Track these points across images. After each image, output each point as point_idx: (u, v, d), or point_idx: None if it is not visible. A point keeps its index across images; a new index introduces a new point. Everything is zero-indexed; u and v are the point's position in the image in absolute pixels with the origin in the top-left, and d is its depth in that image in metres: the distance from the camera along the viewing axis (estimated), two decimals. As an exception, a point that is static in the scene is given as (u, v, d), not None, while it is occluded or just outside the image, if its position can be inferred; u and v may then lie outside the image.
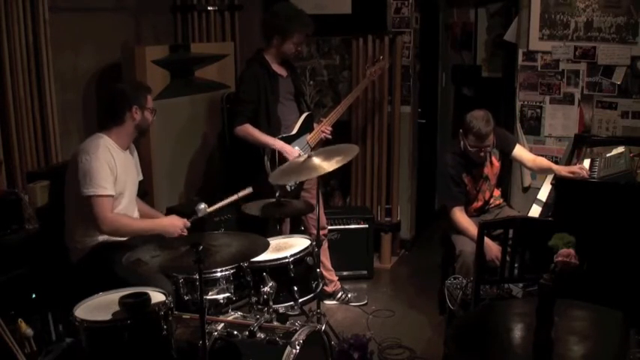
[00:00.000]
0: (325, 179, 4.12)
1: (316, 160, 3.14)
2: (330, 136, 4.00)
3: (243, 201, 3.31)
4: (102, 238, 3.08)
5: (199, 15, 4.82)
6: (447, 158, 3.74)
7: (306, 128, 3.98)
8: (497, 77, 5.85)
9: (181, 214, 3.30)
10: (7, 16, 3.38)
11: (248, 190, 3.30)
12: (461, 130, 3.66)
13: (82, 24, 4.04)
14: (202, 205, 3.20)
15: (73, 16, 3.97)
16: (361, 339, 3.32)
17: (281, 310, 2.92)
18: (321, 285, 3.19)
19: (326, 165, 3.11)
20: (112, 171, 3.04)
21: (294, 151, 3.77)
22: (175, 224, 3.14)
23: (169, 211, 3.95)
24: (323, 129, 3.98)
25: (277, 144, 3.76)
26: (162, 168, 4.21)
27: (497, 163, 3.83)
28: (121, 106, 3.13)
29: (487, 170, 3.79)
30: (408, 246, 5.15)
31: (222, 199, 3.29)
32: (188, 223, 3.16)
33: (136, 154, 3.39)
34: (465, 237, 3.59)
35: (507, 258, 3.08)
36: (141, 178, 3.45)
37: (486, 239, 3.26)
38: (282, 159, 3.73)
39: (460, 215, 3.64)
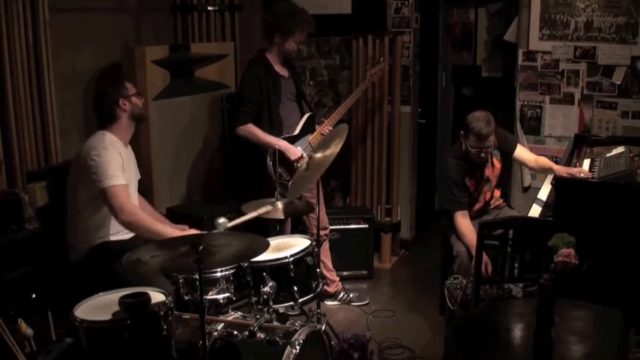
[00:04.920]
0: (325, 179, 4.12)
1: (318, 157, 3.14)
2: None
3: (244, 200, 3.30)
4: (104, 237, 3.09)
5: (199, 15, 4.82)
6: (449, 162, 3.72)
7: (308, 129, 3.98)
8: (497, 77, 5.84)
9: (181, 215, 3.29)
10: (7, 16, 3.38)
11: (267, 208, 3.14)
12: (462, 131, 3.65)
13: (82, 24, 4.04)
14: (222, 220, 2.96)
15: (73, 16, 3.98)
16: (361, 339, 3.32)
17: (281, 310, 2.91)
18: (321, 285, 3.18)
19: (327, 157, 3.11)
20: (120, 163, 3.06)
21: (296, 151, 3.77)
22: None
23: (169, 212, 3.95)
24: (324, 130, 3.98)
25: (280, 143, 3.75)
26: (163, 168, 4.22)
27: (498, 165, 3.83)
28: (110, 106, 3.15)
29: (488, 172, 3.79)
30: (408, 246, 5.15)
31: (240, 215, 3.09)
32: None
33: (133, 153, 3.39)
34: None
35: (507, 258, 3.08)
36: (139, 177, 3.45)
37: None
38: (285, 159, 3.73)
39: (462, 221, 3.63)
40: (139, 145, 3.53)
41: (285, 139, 3.82)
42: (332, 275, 4.20)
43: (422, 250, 5.18)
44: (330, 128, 4.00)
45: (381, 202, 4.95)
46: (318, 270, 3.18)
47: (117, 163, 3.02)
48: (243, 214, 3.09)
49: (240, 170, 4.28)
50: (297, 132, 3.92)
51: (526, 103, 4.53)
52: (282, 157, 3.72)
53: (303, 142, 3.92)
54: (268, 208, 3.14)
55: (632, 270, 3.08)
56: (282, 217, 3.26)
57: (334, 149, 3.12)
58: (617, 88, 4.27)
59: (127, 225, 3.01)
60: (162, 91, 4.19)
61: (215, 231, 2.90)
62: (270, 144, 3.75)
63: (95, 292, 2.53)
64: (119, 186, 2.98)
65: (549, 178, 3.78)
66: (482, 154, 3.63)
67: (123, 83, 3.24)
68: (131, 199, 3.07)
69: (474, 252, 3.41)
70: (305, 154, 3.79)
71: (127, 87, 3.22)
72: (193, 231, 3.14)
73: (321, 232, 4.04)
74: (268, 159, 3.78)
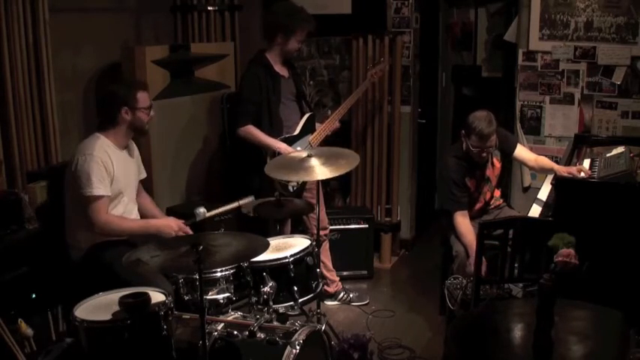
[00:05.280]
0: (325, 180, 4.13)
1: (315, 162, 3.14)
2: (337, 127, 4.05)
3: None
4: (103, 237, 3.09)
5: (199, 15, 4.82)
6: (449, 162, 3.72)
7: (308, 129, 3.98)
8: (497, 77, 5.84)
9: (181, 215, 3.29)
10: (7, 16, 3.38)
11: (249, 199, 3.27)
12: (463, 131, 3.65)
13: (81, 24, 4.04)
14: (201, 210, 3.18)
15: (73, 16, 3.97)
16: (361, 339, 3.32)
17: (281, 310, 2.92)
18: (321, 285, 3.19)
19: (324, 171, 3.12)
20: (109, 171, 3.05)
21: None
22: (170, 226, 3.12)
23: (169, 212, 3.95)
24: (324, 129, 3.99)
25: (280, 146, 3.75)
26: (163, 168, 4.21)
27: (498, 164, 3.83)
28: (112, 108, 3.13)
29: (488, 172, 3.78)
30: (408, 246, 5.15)
31: (222, 204, 3.26)
32: (185, 227, 3.15)
33: (136, 152, 3.39)
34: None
35: (507, 258, 3.08)
36: (144, 175, 3.46)
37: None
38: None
39: (462, 220, 3.63)
40: (138, 145, 3.53)
41: (285, 139, 3.82)
42: (332, 275, 4.20)
43: (422, 250, 5.18)
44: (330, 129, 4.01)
45: (381, 202, 4.95)
46: (318, 270, 3.18)
47: (101, 172, 3.02)
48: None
49: (239, 170, 4.27)
50: (297, 132, 3.92)
51: (526, 103, 4.52)
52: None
53: (303, 142, 3.92)
54: (249, 199, 3.24)
55: (632, 270, 3.08)
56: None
57: (337, 170, 3.14)
58: (617, 88, 4.27)
59: (102, 234, 3.06)
60: (162, 91, 4.18)
61: (192, 220, 3.15)
62: (269, 146, 3.75)
63: (95, 292, 2.54)
64: (98, 197, 3.01)
65: (549, 178, 3.78)
66: (484, 154, 3.63)
67: (134, 92, 3.14)
68: (108, 210, 3.06)
69: (471, 252, 3.42)
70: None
71: (137, 98, 3.14)
72: (172, 221, 3.16)
73: (321, 232, 4.04)
74: (268, 159, 3.78)
